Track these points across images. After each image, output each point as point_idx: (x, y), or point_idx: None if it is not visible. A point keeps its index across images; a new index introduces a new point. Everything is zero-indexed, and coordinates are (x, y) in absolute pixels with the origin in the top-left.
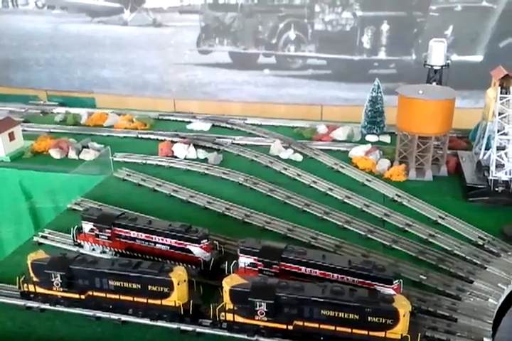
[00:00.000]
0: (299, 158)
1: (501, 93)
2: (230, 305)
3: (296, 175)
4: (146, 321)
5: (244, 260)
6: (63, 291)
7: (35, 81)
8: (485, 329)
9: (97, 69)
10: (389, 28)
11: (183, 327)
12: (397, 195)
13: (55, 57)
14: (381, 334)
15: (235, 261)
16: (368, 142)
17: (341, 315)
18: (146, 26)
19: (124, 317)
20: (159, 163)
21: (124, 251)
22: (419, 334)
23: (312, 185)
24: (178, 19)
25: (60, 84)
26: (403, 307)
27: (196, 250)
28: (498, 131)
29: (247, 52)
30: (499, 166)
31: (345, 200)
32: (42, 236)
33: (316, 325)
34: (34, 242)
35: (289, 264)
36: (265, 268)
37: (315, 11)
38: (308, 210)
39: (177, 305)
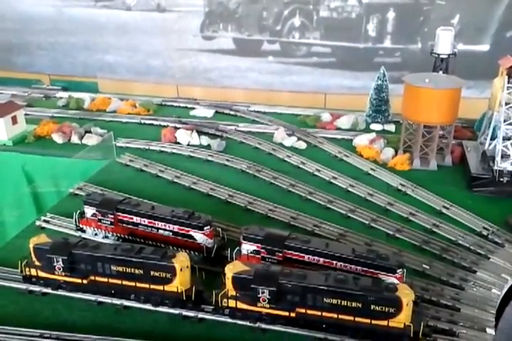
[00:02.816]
0: (302, 145)
1: (508, 82)
2: (232, 292)
3: (299, 163)
4: (148, 307)
5: (247, 247)
6: (65, 276)
7: (38, 65)
8: (488, 320)
9: (101, 54)
10: (395, 15)
11: (185, 313)
12: (401, 184)
13: (58, 41)
14: (384, 322)
15: (237, 248)
16: (373, 131)
17: (344, 303)
18: (150, 11)
19: (126, 303)
20: (162, 149)
21: (126, 237)
22: (422, 324)
23: (316, 173)
24: (182, 4)
25: (63, 69)
26: (406, 296)
27: (199, 236)
28: (505, 121)
29: (251, 39)
30: (504, 156)
31: (349, 189)
32: (44, 221)
33: (319, 313)
34: (36, 226)
35: (292, 252)
36: (268, 256)
37: None
38: (312, 198)
39: (179, 291)
